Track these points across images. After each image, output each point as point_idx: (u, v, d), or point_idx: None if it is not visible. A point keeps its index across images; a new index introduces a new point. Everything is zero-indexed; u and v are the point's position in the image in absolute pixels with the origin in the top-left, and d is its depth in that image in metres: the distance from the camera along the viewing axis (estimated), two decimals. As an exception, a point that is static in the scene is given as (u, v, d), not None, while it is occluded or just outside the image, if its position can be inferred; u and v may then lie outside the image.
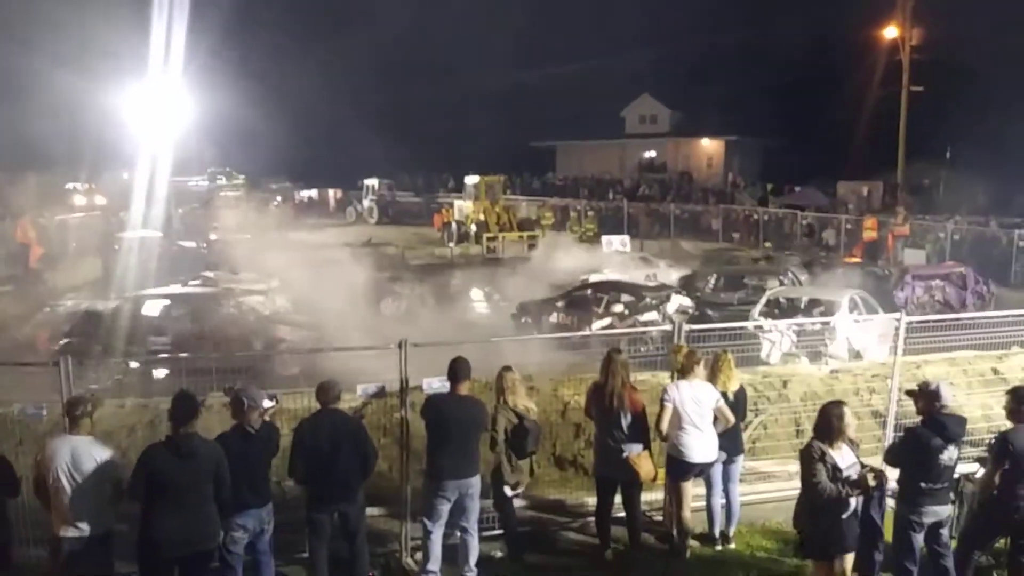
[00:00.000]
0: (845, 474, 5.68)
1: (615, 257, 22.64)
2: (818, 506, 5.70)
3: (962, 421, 6.32)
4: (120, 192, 29.93)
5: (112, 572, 5.90)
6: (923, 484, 6.13)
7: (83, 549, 5.59)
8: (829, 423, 5.82)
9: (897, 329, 8.75)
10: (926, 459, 6.09)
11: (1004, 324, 10.54)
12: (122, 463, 7.64)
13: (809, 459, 5.72)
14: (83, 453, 5.57)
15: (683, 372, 7.19)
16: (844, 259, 21.95)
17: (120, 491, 5.70)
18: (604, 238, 25.78)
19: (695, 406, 7.02)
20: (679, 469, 7.17)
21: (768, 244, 27.48)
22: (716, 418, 7.14)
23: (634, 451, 7.08)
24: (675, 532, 7.36)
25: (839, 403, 6.02)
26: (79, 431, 5.66)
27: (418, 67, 65.04)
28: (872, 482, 5.76)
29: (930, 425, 6.16)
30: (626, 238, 26.26)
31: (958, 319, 10.55)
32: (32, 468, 5.80)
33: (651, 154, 53.21)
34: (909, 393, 6.60)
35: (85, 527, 5.60)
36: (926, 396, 6.28)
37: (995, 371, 10.31)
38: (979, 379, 10.10)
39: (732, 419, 7.25)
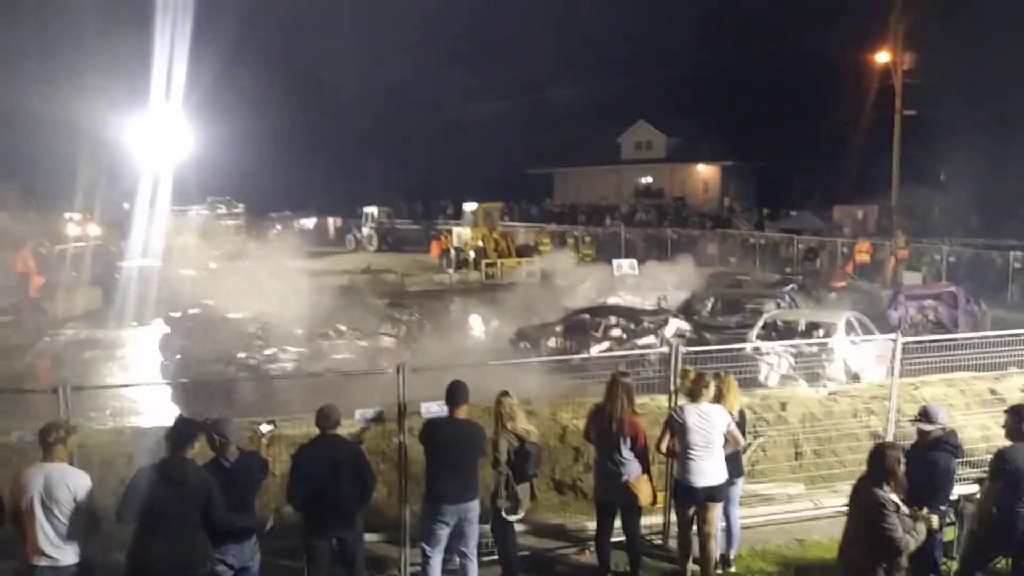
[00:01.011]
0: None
1: (628, 279, 22.82)
2: (895, 562, 5.31)
3: None
4: (119, 221, 30.06)
5: None
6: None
7: None
8: (887, 466, 5.39)
9: (894, 350, 8.79)
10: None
11: (1000, 344, 10.56)
12: (117, 490, 7.72)
13: (879, 510, 5.26)
14: (56, 481, 5.50)
15: (692, 396, 7.11)
16: (832, 283, 22.09)
17: (97, 519, 5.65)
18: (614, 262, 26.10)
19: (703, 430, 6.93)
20: (684, 494, 7.10)
21: (789, 271, 27.55)
22: (726, 441, 7.09)
23: (633, 475, 7.06)
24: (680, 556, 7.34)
25: (894, 444, 5.78)
26: (53, 458, 5.58)
27: (417, 96, 65.73)
28: (936, 524, 5.64)
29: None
30: (634, 261, 26.53)
31: (954, 339, 10.57)
32: (7, 496, 5.69)
33: (647, 180, 53.55)
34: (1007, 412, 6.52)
35: (58, 556, 5.51)
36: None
37: (992, 391, 10.33)
38: (977, 399, 10.11)
39: (743, 442, 7.23)
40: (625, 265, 25.29)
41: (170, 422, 5.96)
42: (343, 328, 15.98)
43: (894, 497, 5.31)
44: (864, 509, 5.36)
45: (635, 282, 22.08)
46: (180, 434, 5.67)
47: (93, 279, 24.26)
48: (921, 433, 6.41)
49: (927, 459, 6.24)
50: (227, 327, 15.89)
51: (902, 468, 5.38)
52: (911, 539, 5.25)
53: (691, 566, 7.30)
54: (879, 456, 5.45)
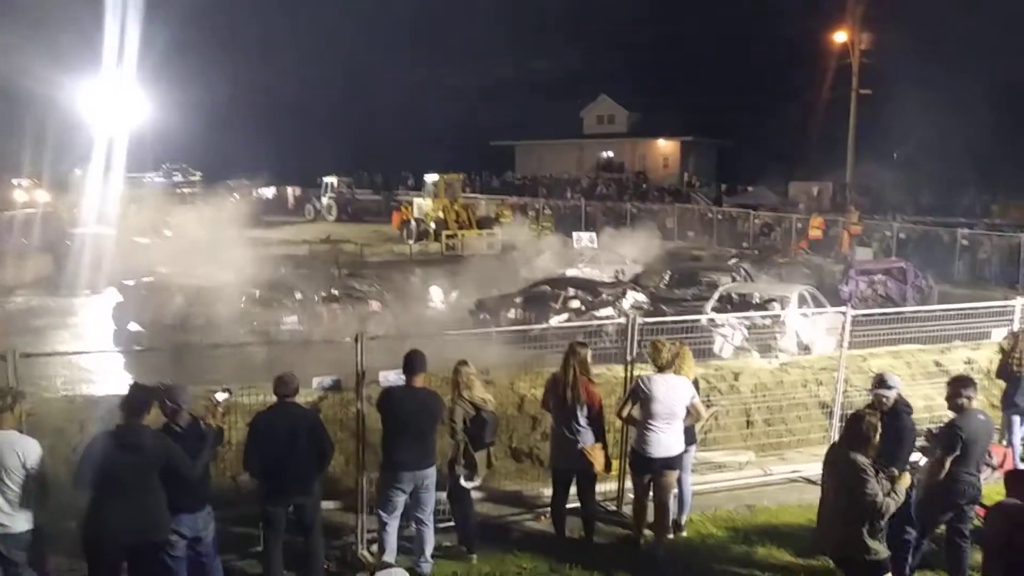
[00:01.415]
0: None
1: (586, 253, 22.94)
2: (876, 525, 5.43)
3: None
4: (71, 188, 29.35)
5: (44, 567, 5.77)
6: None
7: (5, 545, 5.46)
8: (864, 432, 5.48)
9: (843, 323, 9.01)
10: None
11: (946, 318, 10.90)
12: (73, 458, 7.63)
13: (859, 476, 5.35)
14: (6, 448, 5.44)
15: (662, 368, 7.15)
16: (781, 257, 22.47)
17: (48, 487, 5.59)
18: (574, 235, 26.19)
19: (667, 401, 7.01)
20: (641, 464, 7.23)
21: (746, 246, 27.88)
22: (688, 413, 7.19)
23: (589, 443, 7.16)
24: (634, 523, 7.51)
25: (872, 411, 5.85)
26: (1, 425, 5.53)
27: (378, 66, 64.85)
28: (910, 482, 5.75)
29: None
30: (593, 235, 26.65)
31: (901, 313, 10.88)
32: None
33: (609, 154, 53.68)
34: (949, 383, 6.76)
35: (9, 524, 5.46)
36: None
37: (937, 364, 10.66)
38: (922, 371, 10.43)
39: (704, 414, 7.36)
40: (584, 238, 25.43)
41: (123, 390, 5.90)
42: (336, 293, 16.25)
43: (866, 460, 5.40)
44: (843, 476, 5.41)
45: (593, 255, 22.17)
46: (136, 401, 5.62)
47: (43, 246, 23.70)
48: (880, 399, 6.56)
49: (894, 424, 6.38)
50: (183, 295, 15.78)
51: (877, 435, 5.48)
52: (891, 501, 5.38)
53: (645, 531, 7.48)
54: (857, 423, 5.53)
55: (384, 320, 15.99)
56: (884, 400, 6.56)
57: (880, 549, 5.46)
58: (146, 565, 5.61)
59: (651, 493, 7.30)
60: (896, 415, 6.51)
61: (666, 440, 7.06)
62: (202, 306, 14.97)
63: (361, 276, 19.23)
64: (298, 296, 15.70)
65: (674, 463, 7.21)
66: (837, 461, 5.55)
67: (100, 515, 5.44)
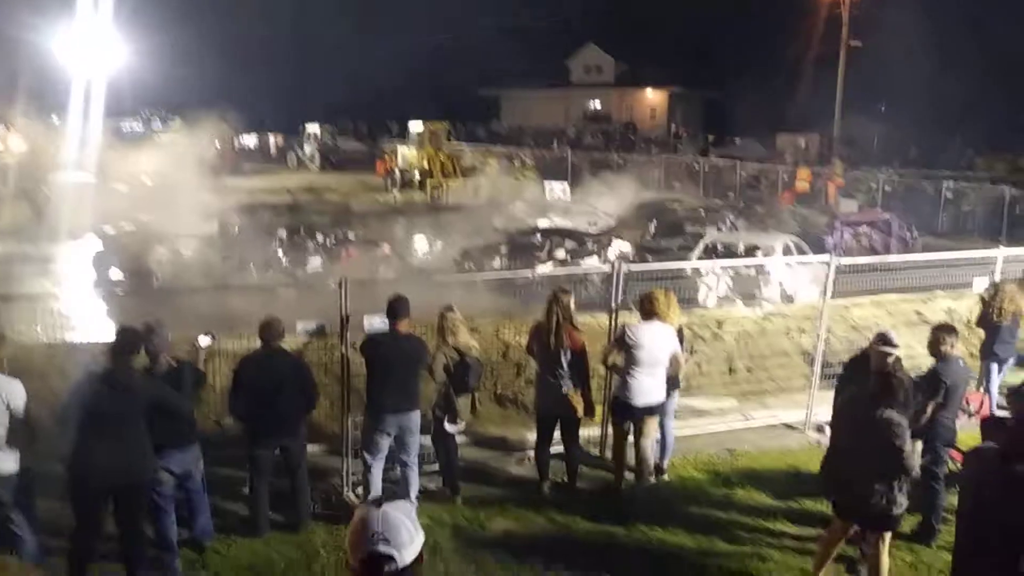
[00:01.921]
0: None
1: (559, 203, 22.83)
2: (901, 482, 5.39)
3: None
4: (48, 134, 28.77)
5: (32, 509, 5.80)
6: None
7: None
8: (895, 390, 5.44)
9: (827, 273, 9.04)
10: None
11: (928, 268, 10.97)
12: (51, 402, 7.61)
13: (893, 431, 5.29)
14: None
15: (647, 315, 7.17)
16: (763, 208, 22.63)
17: (33, 428, 5.58)
18: (546, 184, 25.93)
19: (652, 349, 7.03)
20: (623, 411, 7.27)
21: (732, 196, 27.83)
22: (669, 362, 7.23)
23: (572, 388, 7.23)
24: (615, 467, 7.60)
25: (902, 368, 5.77)
26: None
27: (364, 11, 63.51)
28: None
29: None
30: (566, 184, 26.39)
31: (884, 262, 10.93)
32: None
33: (596, 104, 53.19)
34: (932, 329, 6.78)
35: None
36: None
37: (918, 313, 10.78)
38: (903, 320, 10.53)
39: (684, 365, 7.40)
40: (557, 188, 25.24)
41: (104, 336, 5.87)
42: (351, 236, 17.04)
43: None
44: (877, 434, 5.32)
45: (566, 206, 21.93)
46: (124, 343, 5.59)
47: (19, 193, 23.32)
48: (884, 356, 6.38)
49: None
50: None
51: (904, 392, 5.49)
52: (917, 457, 5.42)
53: (626, 475, 7.58)
54: (887, 379, 5.48)
55: (393, 262, 16.66)
56: (888, 357, 6.18)
57: (904, 502, 5.50)
58: (132, 505, 5.60)
59: (631, 439, 7.38)
60: (900, 371, 6.51)
61: (648, 387, 7.11)
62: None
63: (346, 226, 19.10)
64: (320, 239, 16.26)
65: (655, 409, 7.28)
66: (866, 418, 5.40)
67: (85, 456, 5.42)
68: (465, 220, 20.95)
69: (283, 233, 16.06)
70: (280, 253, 15.39)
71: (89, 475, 5.44)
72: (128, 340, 5.62)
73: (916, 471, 5.48)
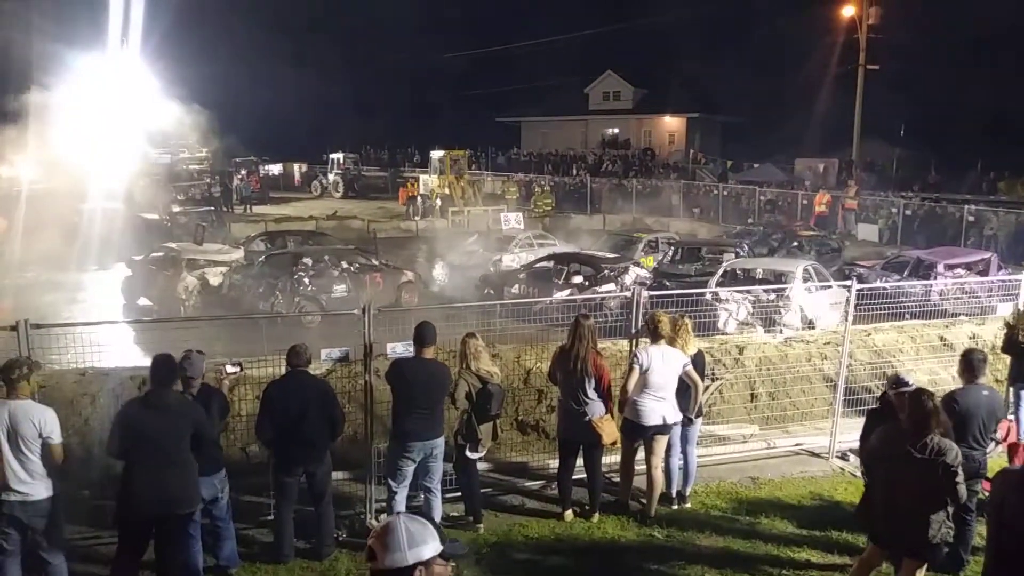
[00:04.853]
0: None
1: (516, 234, 22.63)
2: (947, 515, 5.39)
3: None
4: (78, 164, 29.29)
5: (61, 535, 5.86)
6: None
7: (24, 512, 5.56)
8: (939, 418, 5.40)
9: (848, 298, 9.04)
10: None
11: (951, 294, 10.94)
12: (85, 430, 7.75)
13: (951, 454, 5.25)
14: (21, 417, 5.52)
15: (655, 338, 7.29)
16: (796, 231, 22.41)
17: (63, 455, 5.67)
18: (502, 216, 26.31)
19: (662, 371, 7.15)
20: (634, 432, 7.37)
21: (751, 222, 27.76)
22: (686, 385, 7.31)
23: (597, 414, 7.25)
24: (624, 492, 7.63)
25: (928, 391, 5.67)
26: (17, 394, 5.59)
27: (386, 42, 64.46)
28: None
29: None
30: (520, 215, 27.06)
31: (899, 287, 10.87)
32: None
33: (614, 130, 53.40)
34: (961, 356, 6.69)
35: (28, 491, 5.55)
36: None
37: (942, 339, 10.71)
38: (927, 346, 10.47)
39: (700, 382, 7.45)
40: (512, 219, 25.96)
41: (133, 363, 6.01)
42: (376, 263, 17.18)
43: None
44: (928, 463, 5.24)
45: (527, 239, 21.14)
46: (165, 369, 5.72)
47: (51, 222, 23.72)
48: (903, 397, 6.15)
49: None
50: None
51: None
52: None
53: (633, 503, 7.61)
54: (927, 405, 5.39)
55: (417, 288, 17.05)
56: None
57: (950, 531, 5.50)
58: (178, 531, 5.70)
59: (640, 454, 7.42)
60: None
61: (660, 409, 7.21)
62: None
63: (368, 252, 19.28)
64: (345, 265, 16.42)
65: (666, 430, 7.35)
66: (917, 449, 5.30)
67: (132, 481, 5.53)
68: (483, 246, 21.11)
69: (308, 260, 16.14)
70: (306, 279, 15.53)
71: (132, 500, 5.54)
72: (170, 366, 5.76)
73: (964, 496, 5.42)
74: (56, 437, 5.62)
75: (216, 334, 10.31)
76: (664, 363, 7.18)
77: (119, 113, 25.66)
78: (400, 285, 16.71)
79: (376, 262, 17.31)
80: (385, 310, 7.36)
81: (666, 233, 22.55)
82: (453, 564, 2.59)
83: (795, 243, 20.39)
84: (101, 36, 25.07)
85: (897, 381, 6.56)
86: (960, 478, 5.28)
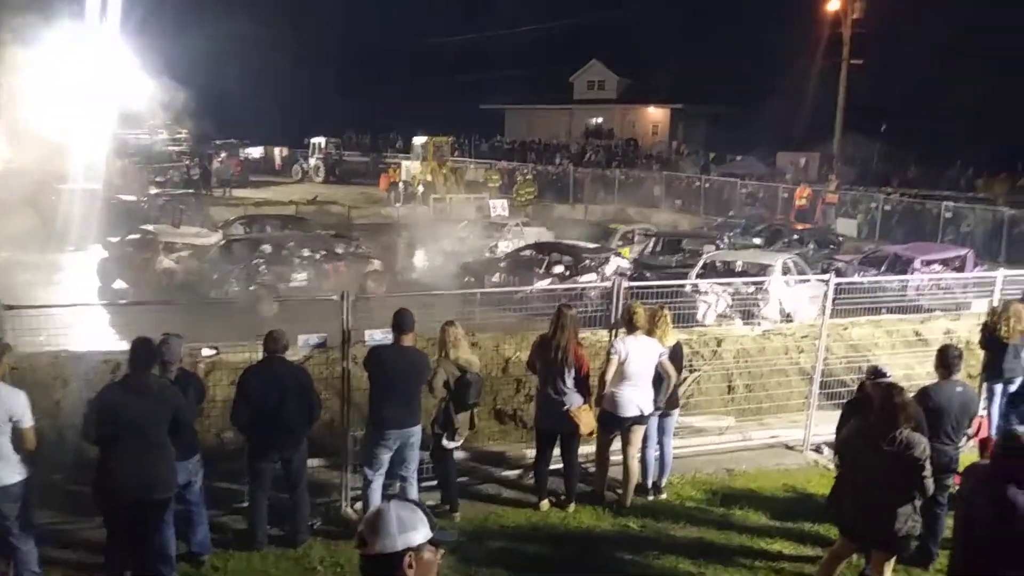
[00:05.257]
0: None
1: (503, 222, 22.82)
2: (917, 504, 5.45)
3: None
4: (56, 143, 28.89)
5: (31, 520, 5.79)
6: None
7: None
8: (902, 408, 5.42)
9: (826, 292, 9.09)
10: None
11: (927, 289, 11.04)
12: (57, 413, 7.65)
13: (922, 453, 5.29)
14: None
15: (631, 328, 7.32)
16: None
17: (34, 439, 5.60)
18: (490, 203, 26.40)
19: (638, 362, 7.18)
20: (611, 423, 7.40)
21: (732, 214, 27.94)
22: (660, 376, 7.34)
23: (575, 404, 7.26)
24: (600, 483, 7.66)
25: (899, 387, 5.75)
26: None
27: (369, 24, 63.97)
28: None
29: None
30: (506, 202, 27.11)
31: (876, 282, 10.96)
32: None
33: (598, 120, 53.36)
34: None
35: None
36: None
37: (917, 334, 10.81)
38: (902, 341, 10.57)
39: (674, 374, 7.48)
40: (498, 207, 26.12)
41: (108, 346, 5.94)
42: (340, 251, 16.80)
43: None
44: (898, 456, 5.29)
45: (517, 229, 21.50)
46: (144, 353, 5.65)
47: (25, 202, 23.39)
48: (880, 387, 6.36)
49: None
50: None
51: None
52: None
53: (615, 490, 7.64)
54: (904, 402, 5.43)
55: (384, 277, 16.75)
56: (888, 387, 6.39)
57: (919, 524, 5.56)
58: (156, 516, 5.64)
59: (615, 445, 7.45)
60: None
61: (637, 399, 7.25)
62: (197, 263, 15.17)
63: (348, 237, 19.17)
64: (306, 253, 16.08)
65: (643, 420, 7.38)
66: (879, 442, 5.36)
67: (113, 468, 5.47)
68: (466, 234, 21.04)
69: (267, 247, 15.81)
70: (263, 267, 15.22)
71: (110, 484, 5.49)
72: (149, 349, 5.70)
73: (931, 490, 5.48)
74: (27, 421, 5.53)
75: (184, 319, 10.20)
76: (640, 353, 7.22)
77: (97, 92, 25.27)
78: (366, 274, 16.42)
79: (352, 249, 17.10)
80: (363, 297, 7.29)
81: (643, 225, 22.63)
82: (442, 551, 2.58)
83: (795, 236, 20.44)
84: (80, 12, 24.64)
85: (876, 372, 6.64)
86: (928, 472, 5.33)
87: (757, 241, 19.82)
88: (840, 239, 22.61)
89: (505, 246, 19.28)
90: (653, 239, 18.79)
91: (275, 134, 47.79)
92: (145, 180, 28.92)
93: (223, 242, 16.84)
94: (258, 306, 13.64)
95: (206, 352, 6.62)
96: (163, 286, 15.34)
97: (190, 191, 28.89)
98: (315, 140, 42.47)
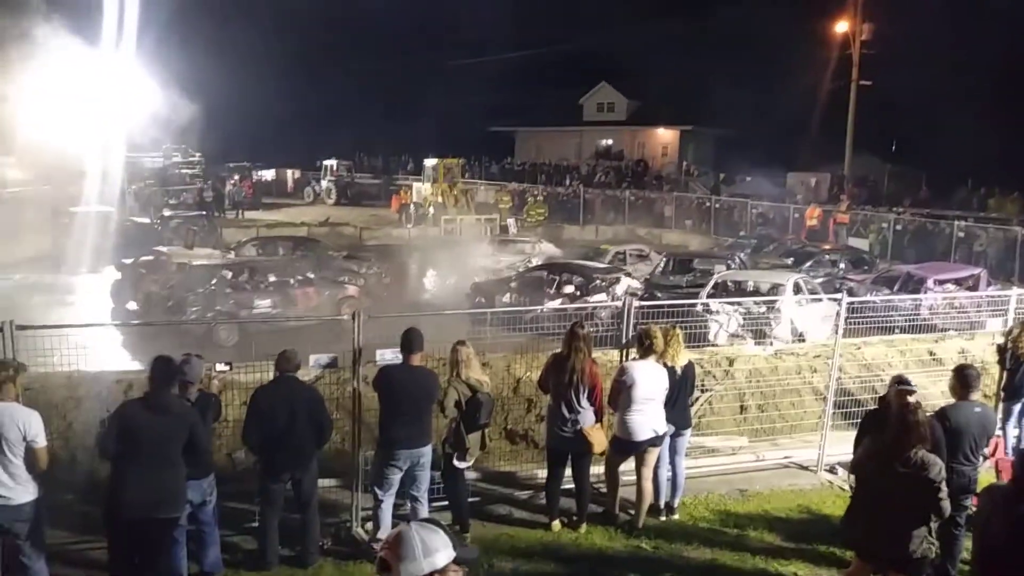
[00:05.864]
0: None
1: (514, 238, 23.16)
2: (932, 525, 5.42)
3: None
4: (68, 166, 29.20)
5: (43, 539, 5.80)
6: None
7: (6, 516, 5.50)
8: (918, 428, 5.36)
9: (839, 311, 9.05)
10: None
11: (941, 308, 10.96)
12: (71, 433, 7.69)
13: (938, 476, 5.25)
14: (7, 420, 5.46)
15: (646, 352, 7.26)
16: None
17: (47, 459, 5.62)
18: (509, 222, 27.08)
19: (647, 385, 7.13)
20: (623, 448, 7.36)
21: (742, 234, 28.01)
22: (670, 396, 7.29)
23: (588, 424, 7.23)
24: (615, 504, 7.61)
25: (921, 407, 5.69)
26: (2, 397, 5.54)
27: (381, 48, 64.61)
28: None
29: None
30: (514, 220, 28.22)
31: (889, 301, 10.91)
32: None
33: (608, 142, 53.56)
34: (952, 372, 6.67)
35: (11, 496, 5.49)
36: None
37: (931, 353, 10.73)
38: (915, 360, 10.49)
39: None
40: (513, 225, 27.12)
41: (118, 367, 5.97)
42: (311, 276, 16.28)
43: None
44: (914, 477, 5.24)
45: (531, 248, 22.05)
46: (164, 371, 5.69)
47: (40, 224, 23.63)
48: (903, 395, 6.26)
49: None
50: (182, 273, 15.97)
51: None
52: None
53: (620, 513, 7.58)
54: (917, 423, 5.36)
55: (360, 304, 15.82)
56: (909, 396, 6.23)
57: (935, 545, 5.51)
58: (159, 539, 5.64)
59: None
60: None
61: (649, 422, 7.20)
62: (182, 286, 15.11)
63: (360, 257, 19.23)
64: (272, 279, 15.64)
65: (658, 441, 7.33)
66: (895, 462, 5.31)
67: (124, 485, 5.48)
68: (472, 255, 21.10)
69: (227, 273, 15.38)
70: (225, 293, 14.88)
71: (120, 502, 5.49)
72: (170, 368, 5.74)
73: (948, 511, 5.41)
74: (41, 440, 5.56)
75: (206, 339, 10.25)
76: (649, 376, 7.18)
77: (112, 116, 25.58)
78: (340, 300, 15.85)
79: (311, 276, 16.45)
80: (375, 317, 7.31)
81: (635, 245, 22.62)
82: (466, 569, 2.55)
83: (827, 257, 20.15)
84: (95, 37, 25.00)
85: (901, 380, 6.54)
86: (943, 493, 5.27)
87: (788, 261, 19.67)
88: (875, 259, 22.34)
89: (523, 260, 19.46)
90: (665, 259, 18.78)
91: (287, 156, 48.21)
92: (159, 202, 29.15)
93: (188, 267, 16.47)
94: (217, 333, 13.56)
95: (220, 367, 6.64)
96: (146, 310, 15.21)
97: (203, 213, 29.07)
98: (327, 162, 42.88)
